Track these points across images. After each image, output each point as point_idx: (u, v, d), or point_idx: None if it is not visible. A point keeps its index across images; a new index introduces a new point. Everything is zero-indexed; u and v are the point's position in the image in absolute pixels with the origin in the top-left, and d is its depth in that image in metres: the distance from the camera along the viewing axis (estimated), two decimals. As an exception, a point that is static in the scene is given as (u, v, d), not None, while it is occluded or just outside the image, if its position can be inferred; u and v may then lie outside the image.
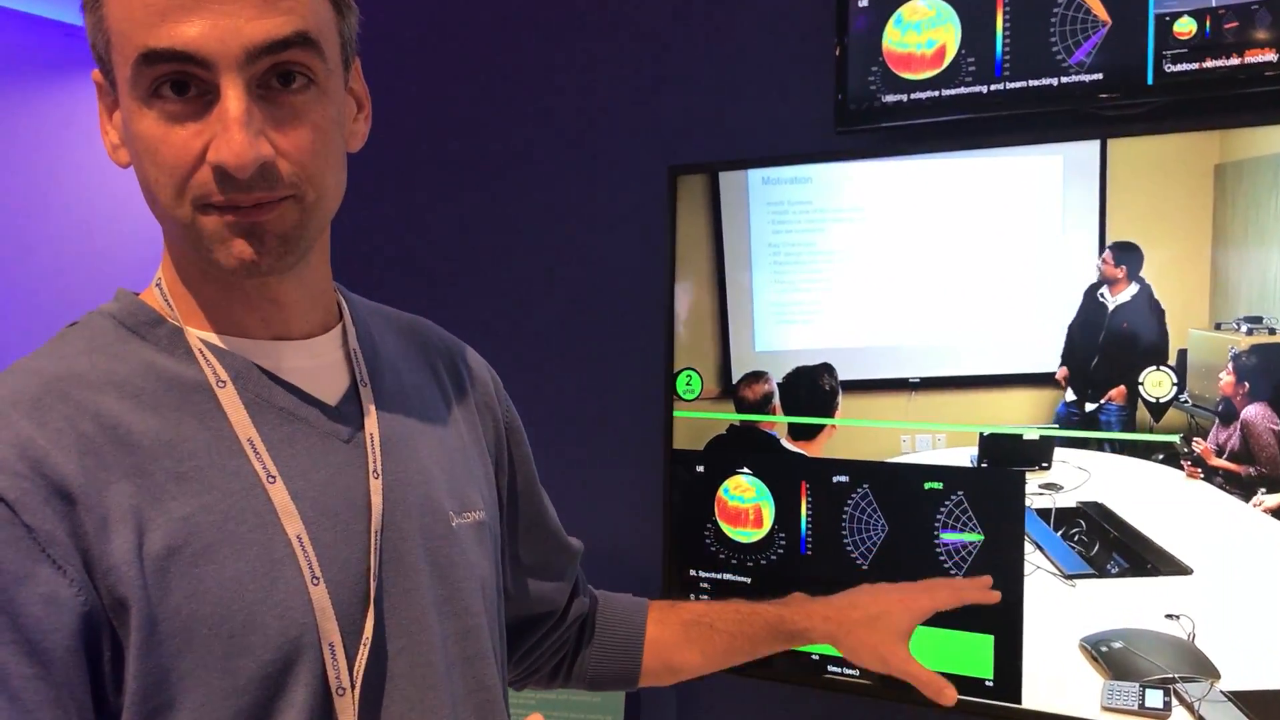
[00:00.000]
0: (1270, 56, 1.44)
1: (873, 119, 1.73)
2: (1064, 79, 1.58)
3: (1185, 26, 1.50)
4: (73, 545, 0.72)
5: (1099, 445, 1.52)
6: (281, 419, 0.83)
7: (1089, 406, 1.53)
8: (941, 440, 1.64)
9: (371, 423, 0.87)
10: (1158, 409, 1.48)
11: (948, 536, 1.62)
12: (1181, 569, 1.46)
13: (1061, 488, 1.55)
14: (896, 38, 1.70)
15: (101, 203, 2.91)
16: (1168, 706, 1.44)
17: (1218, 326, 1.44)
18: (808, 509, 1.74)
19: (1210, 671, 1.42)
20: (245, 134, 0.72)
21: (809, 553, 1.74)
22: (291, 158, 0.76)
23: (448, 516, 0.91)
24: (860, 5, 1.73)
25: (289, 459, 0.81)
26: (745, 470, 1.80)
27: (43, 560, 0.71)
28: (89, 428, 0.76)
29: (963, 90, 1.66)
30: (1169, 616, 1.46)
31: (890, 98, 1.71)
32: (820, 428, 1.74)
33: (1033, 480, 1.57)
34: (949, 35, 1.67)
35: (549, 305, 2.18)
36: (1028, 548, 1.56)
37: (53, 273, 2.84)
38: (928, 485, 1.64)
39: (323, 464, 0.83)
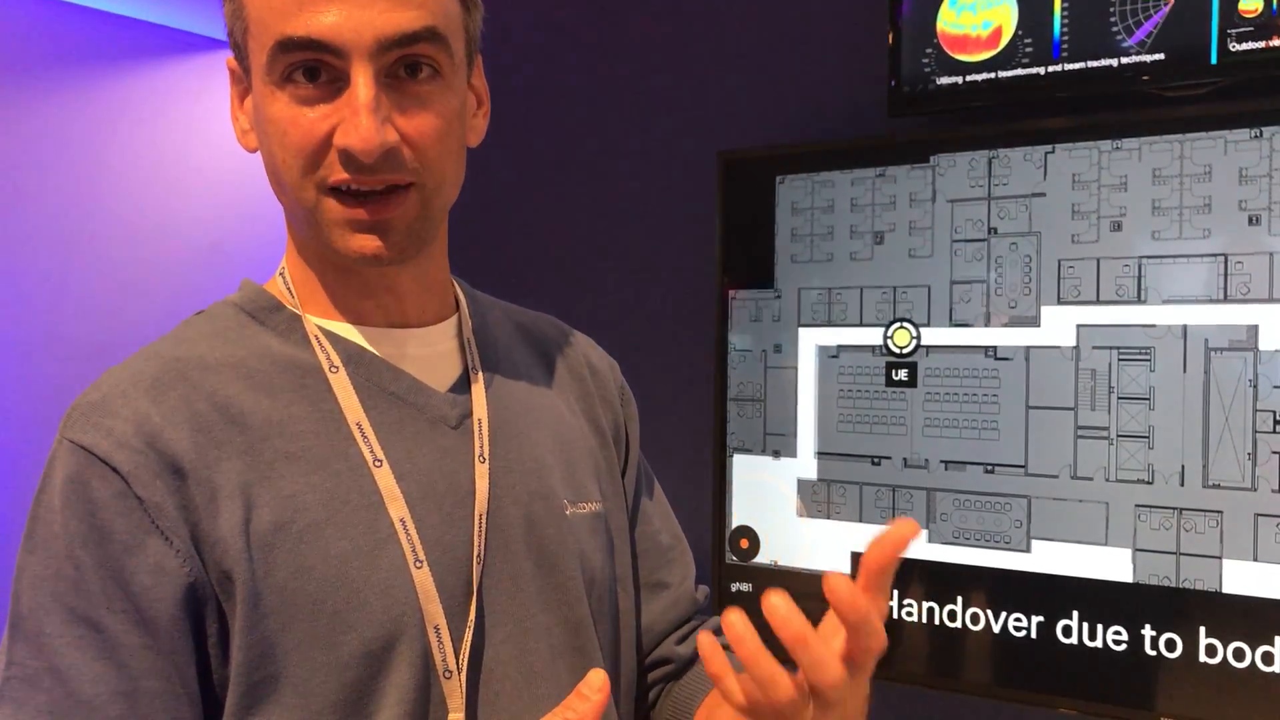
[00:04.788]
0: (1340, 34, 1.41)
1: (927, 103, 1.70)
2: (1124, 59, 1.55)
3: (1252, 4, 1.46)
4: (181, 518, 0.75)
5: None
6: (391, 404, 0.84)
7: None
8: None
9: (480, 409, 0.88)
10: None
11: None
12: None
13: None
14: (951, 19, 1.68)
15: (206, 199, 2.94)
16: None
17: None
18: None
19: None
20: (373, 120, 0.75)
21: (862, 541, 1.73)
22: (414, 144, 0.78)
23: (561, 505, 0.90)
24: (914, -14, 1.70)
25: (396, 443, 0.82)
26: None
27: (152, 531, 0.74)
28: (203, 407, 0.78)
29: (1019, 72, 1.63)
30: None
31: (945, 80, 1.68)
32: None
33: None
34: (1005, 16, 1.64)
35: (595, 295, 2.17)
36: None
37: (185, 267, 2.90)
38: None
39: (429, 449, 0.84)
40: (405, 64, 0.77)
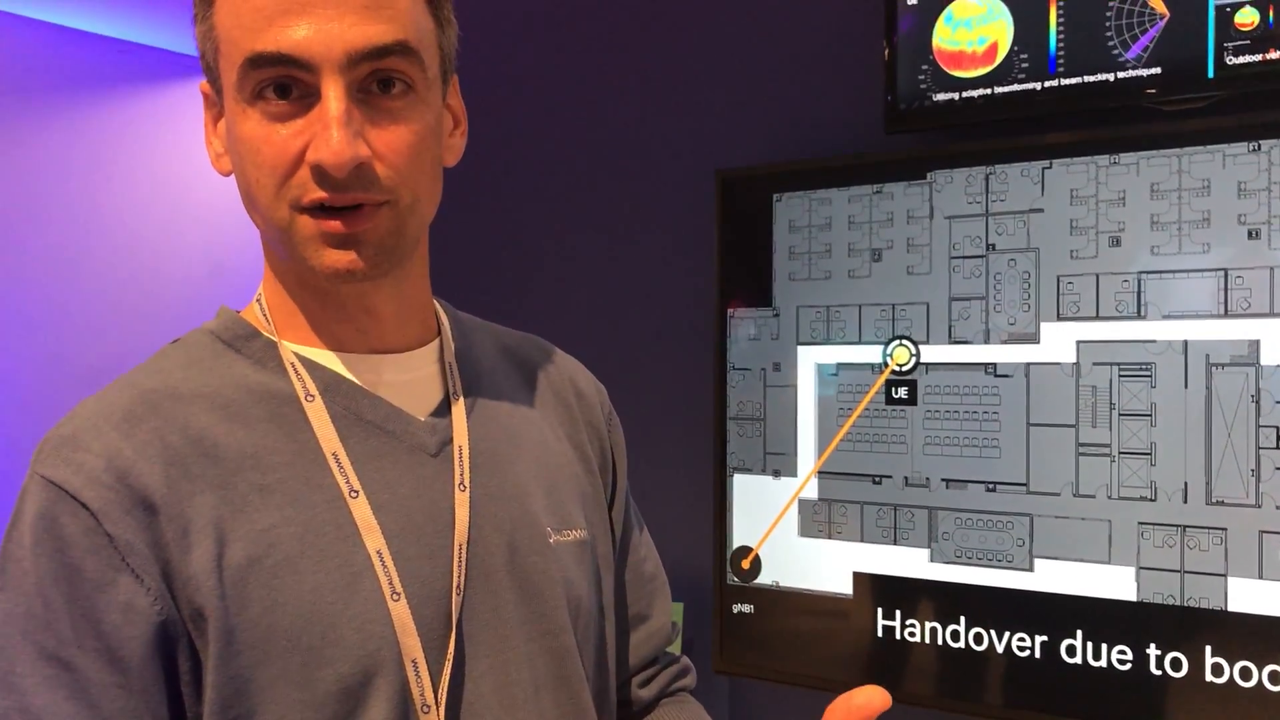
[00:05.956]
0: (1338, 46, 1.40)
1: (923, 119, 1.70)
2: (1120, 74, 1.55)
3: (1247, 17, 1.45)
4: (152, 555, 0.73)
5: None
6: (369, 432, 0.82)
7: None
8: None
9: (461, 436, 0.86)
10: None
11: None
12: None
13: None
14: (947, 35, 1.67)
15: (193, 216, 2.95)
16: None
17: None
18: (862, 516, 1.72)
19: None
20: (344, 133, 0.73)
21: (864, 560, 1.71)
22: (387, 160, 0.76)
23: (544, 533, 0.88)
24: (909, 3, 1.70)
25: (374, 473, 0.81)
26: (797, 477, 1.78)
27: (123, 569, 0.73)
28: (176, 440, 0.77)
29: (1015, 88, 1.62)
30: None
31: (941, 97, 1.68)
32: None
33: None
34: (1001, 32, 1.63)
35: (594, 314, 2.17)
36: None
37: (172, 289, 2.90)
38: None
39: (408, 478, 0.82)
40: (377, 79, 0.76)
